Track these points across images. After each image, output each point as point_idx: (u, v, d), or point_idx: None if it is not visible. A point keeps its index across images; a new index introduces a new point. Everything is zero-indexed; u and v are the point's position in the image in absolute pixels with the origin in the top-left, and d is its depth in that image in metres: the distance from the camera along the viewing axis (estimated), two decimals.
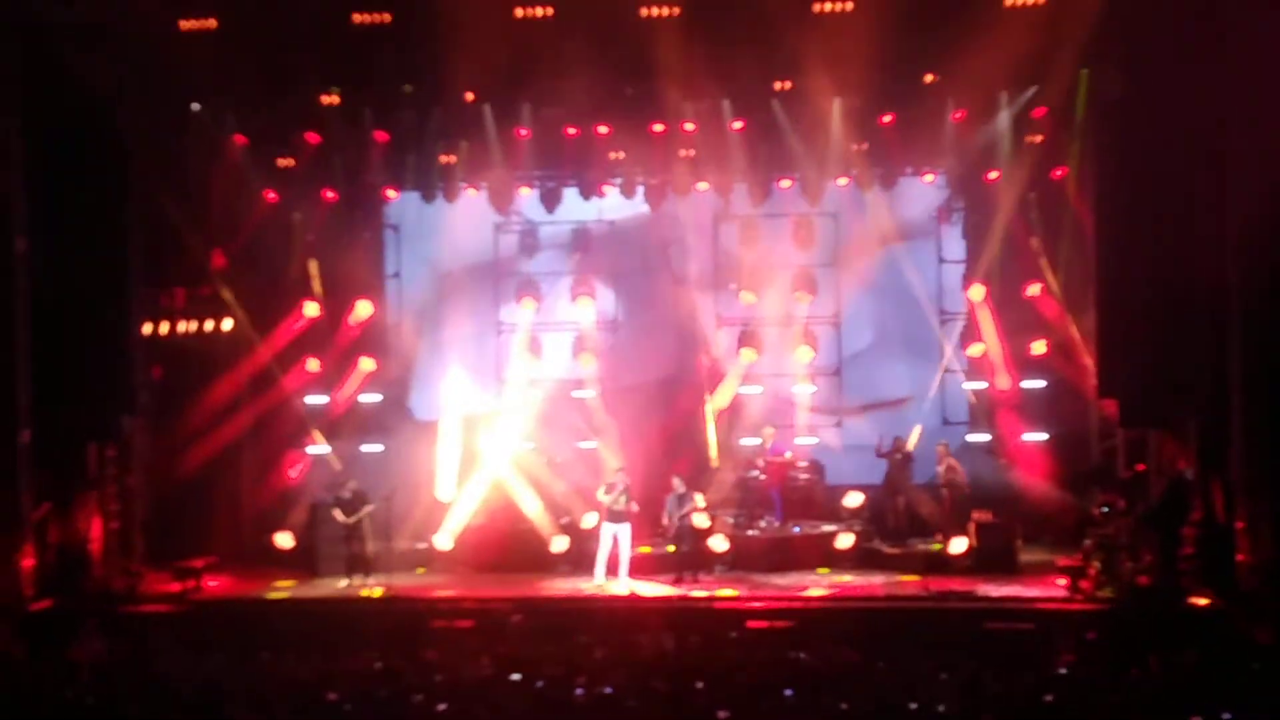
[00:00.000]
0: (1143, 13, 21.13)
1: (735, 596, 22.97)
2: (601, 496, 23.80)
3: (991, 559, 24.05)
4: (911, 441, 26.21)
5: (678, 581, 23.68)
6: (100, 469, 23.88)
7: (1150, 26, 21.06)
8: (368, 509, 24.31)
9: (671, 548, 24.25)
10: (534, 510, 25.32)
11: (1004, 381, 26.21)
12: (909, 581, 23.57)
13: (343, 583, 24.10)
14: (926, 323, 27.84)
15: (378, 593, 23.59)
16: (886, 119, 24.75)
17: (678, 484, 24.24)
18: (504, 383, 28.47)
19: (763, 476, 26.49)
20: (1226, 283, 20.93)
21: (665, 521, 24.19)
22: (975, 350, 26.77)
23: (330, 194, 26.52)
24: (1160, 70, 21.02)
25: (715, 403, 27.89)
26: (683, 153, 25.94)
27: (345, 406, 27.07)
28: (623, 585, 23.50)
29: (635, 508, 23.96)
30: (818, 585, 23.62)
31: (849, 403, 28.92)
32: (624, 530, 23.70)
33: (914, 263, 28.04)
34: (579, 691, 14.70)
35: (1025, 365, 26.17)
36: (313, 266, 27.01)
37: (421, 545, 25.79)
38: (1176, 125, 20.93)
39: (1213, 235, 21.05)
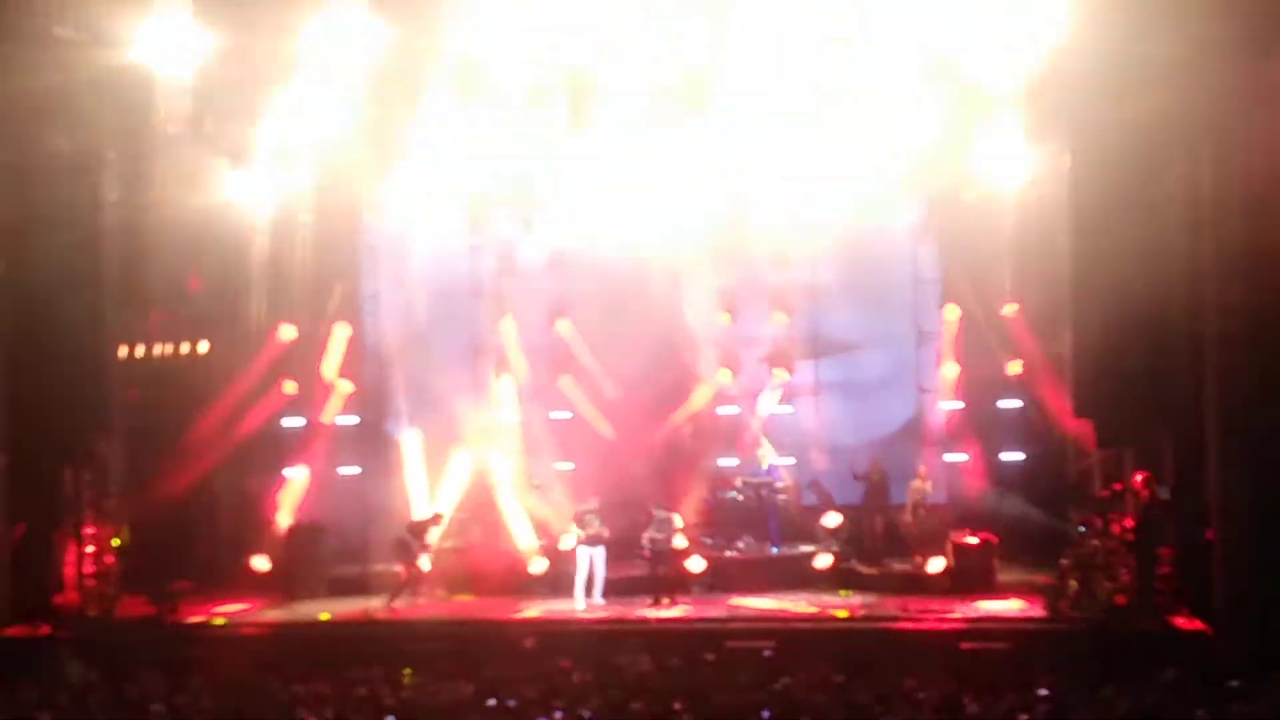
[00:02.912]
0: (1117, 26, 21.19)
1: (714, 618, 22.97)
2: (575, 527, 23.84)
3: (969, 579, 24.10)
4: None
5: (656, 604, 23.68)
6: (76, 492, 23.77)
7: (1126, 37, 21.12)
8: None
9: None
10: (512, 532, 25.31)
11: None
12: (887, 601, 23.60)
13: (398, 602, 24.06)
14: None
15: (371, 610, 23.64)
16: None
17: (659, 511, 24.24)
18: (482, 404, 28.39)
19: (741, 497, 26.50)
20: (1201, 303, 21.00)
21: (645, 544, 24.17)
22: (950, 370, 26.82)
23: (307, 215, 26.48)
24: (1139, 92, 21.06)
25: (689, 419, 27.99)
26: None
27: (323, 428, 27.00)
28: (599, 607, 23.51)
29: (606, 533, 23.94)
30: (799, 605, 23.64)
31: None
32: (599, 553, 23.74)
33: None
34: (557, 714, 14.70)
35: (1002, 385, 26.22)
36: (291, 288, 26.95)
37: (399, 567, 25.72)
38: (1153, 145, 20.98)
39: (1188, 256, 21.12)
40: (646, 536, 24.14)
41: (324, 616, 23.61)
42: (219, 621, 23.47)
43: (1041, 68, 21.64)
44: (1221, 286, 20.73)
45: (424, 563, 24.46)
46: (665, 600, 23.74)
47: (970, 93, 22.58)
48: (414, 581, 24.29)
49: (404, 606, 23.92)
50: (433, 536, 24.68)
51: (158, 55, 22.22)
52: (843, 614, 23.16)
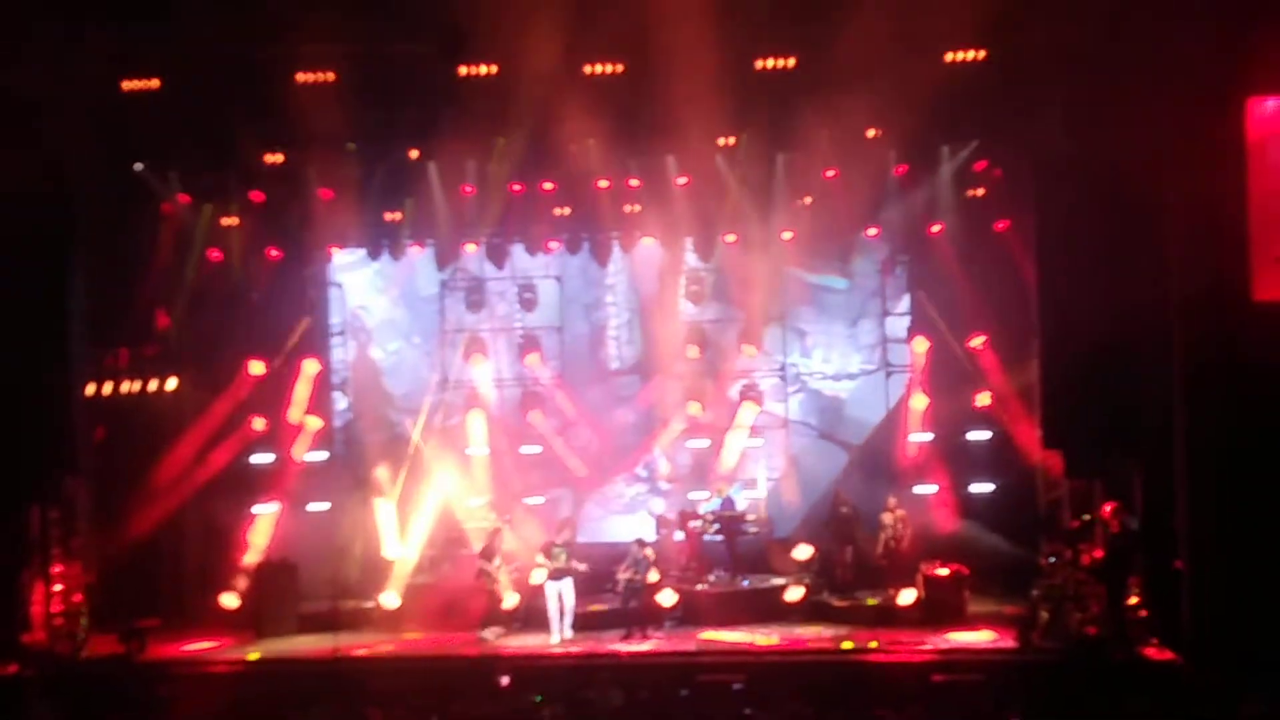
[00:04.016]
0: (1082, 67, 21.31)
1: (685, 652, 22.94)
2: (542, 560, 23.81)
3: (940, 610, 24.11)
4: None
5: (627, 638, 23.65)
6: (43, 531, 23.64)
7: (1090, 81, 21.24)
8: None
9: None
10: (483, 567, 25.25)
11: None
12: (859, 634, 23.60)
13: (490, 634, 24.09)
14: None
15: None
16: (830, 173, 24.87)
17: (635, 548, 24.23)
18: (452, 438, 28.34)
19: (711, 530, 26.49)
20: (1169, 333, 21.08)
21: (620, 580, 24.12)
22: (919, 403, 26.89)
23: (275, 252, 26.50)
24: (1101, 124, 21.17)
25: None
26: (628, 208, 26.02)
27: (292, 465, 26.92)
28: (569, 641, 23.46)
29: (582, 567, 23.97)
30: (768, 638, 23.64)
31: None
32: (567, 586, 23.70)
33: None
34: None
35: (971, 416, 26.28)
36: (257, 325, 26.92)
37: (368, 604, 25.67)
38: (1118, 177, 21.08)
39: (1155, 287, 21.20)
40: (621, 571, 24.10)
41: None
42: (185, 659, 23.35)
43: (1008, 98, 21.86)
44: (1188, 316, 20.79)
45: (504, 583, 24.55)
46: (638, 635, 23.70)
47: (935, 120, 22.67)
48: (496, 605, 24.33)
49: (500, 634, 23.98)
50: (502, 549, 24.78)
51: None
52: (848, 645, 23.12)
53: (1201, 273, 20.45)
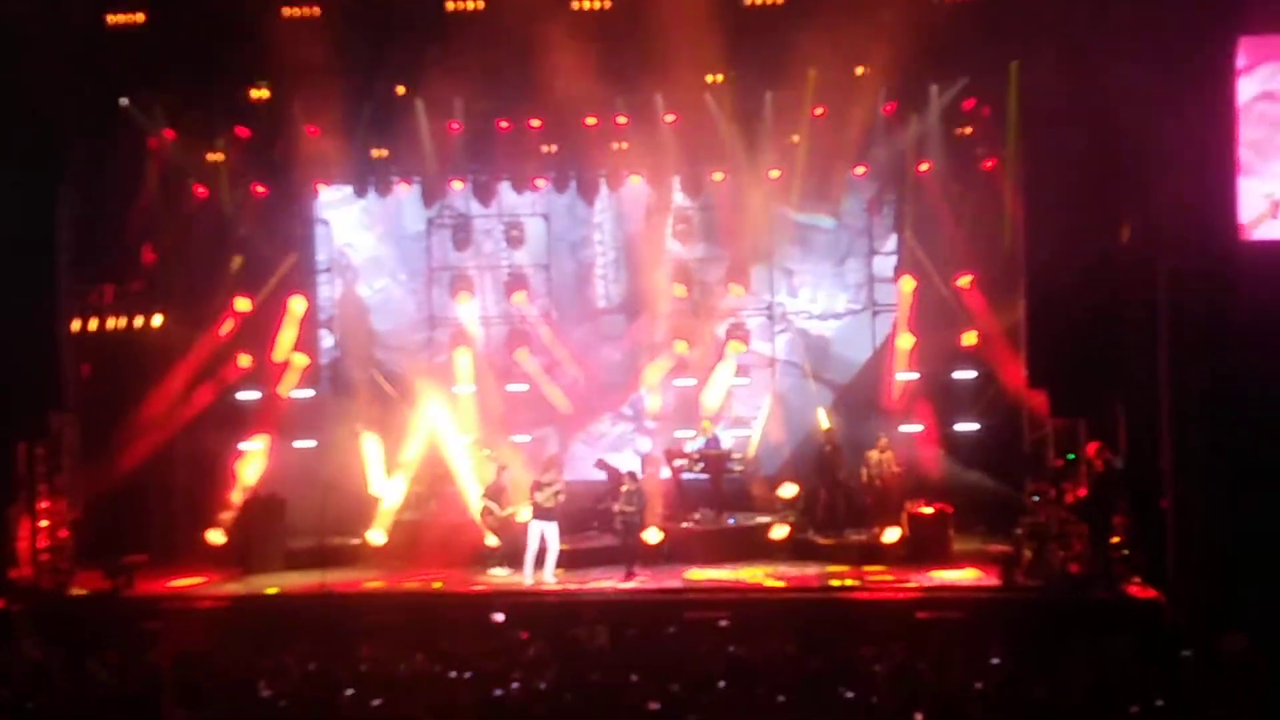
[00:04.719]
0: (1072, 5, 21.26)
1: (671, 589, 23.02)
2: (535, 495, 23.76)
3: (924, 548, 24.20)
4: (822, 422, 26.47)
5: (629, 576, 23.61)
6: (30, 467, 23.64)
7: (1083, 20, 21.18)
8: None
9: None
10: (469, 504, 25.31)
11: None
12: (843, 571, 23.69)
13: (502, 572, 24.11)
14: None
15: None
16: (818, 111, 24.81)
17: (629, 481, 24.24)
18: (439, 376, 28.34)
19: (696, 469, 26.53)
20: (1155, 272, 21.10)
21: (617, 517, 24.08)
22: (905, 342, 26.91)
23: (261, 188, 26.42)
24: (1090, 62, 21.13)
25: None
26: (616, 146, 25.94)
27: (279, 402, 26.92)
28: (550, 582, 23.46)
29: (560, 501, 23.82)
30: (754, 576, 23.72)
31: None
32: (551, 528, 23.59)
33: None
34: (514, 686, 14.71)
35: (957, 355, 26.32)
36: (243, 261, 26.87)
37: (355, 541, 25.73)
38: (1106, 116, 21.05)
39: (1143, 226, 21.23)
40: (618, 508, 24.09)
41: (272, 590, 23.57)
42: (171, 594, 23.40)
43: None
44: (1175, 255, 20.80)
45: (517, 517, 24.54)
46: (636, 571, 23.68)
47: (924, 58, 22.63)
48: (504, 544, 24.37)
49: (505, 573, 23.98)
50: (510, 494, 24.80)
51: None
52: (834, 583, 23.13)
53: (1189, 211, 20.45)
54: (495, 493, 24.62)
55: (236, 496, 25.72)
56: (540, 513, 23.64)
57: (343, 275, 29.51)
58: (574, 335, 29.35)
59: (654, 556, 24.34)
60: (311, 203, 28.48)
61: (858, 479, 25.70)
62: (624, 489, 24.19)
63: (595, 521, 25.66)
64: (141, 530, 25.04)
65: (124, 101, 24.53)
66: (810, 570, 24.04)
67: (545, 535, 23.58)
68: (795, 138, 25.54)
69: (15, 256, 22.38)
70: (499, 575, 23.98)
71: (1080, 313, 21.52)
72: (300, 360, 27.28)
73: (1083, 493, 22.31)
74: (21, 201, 22.49)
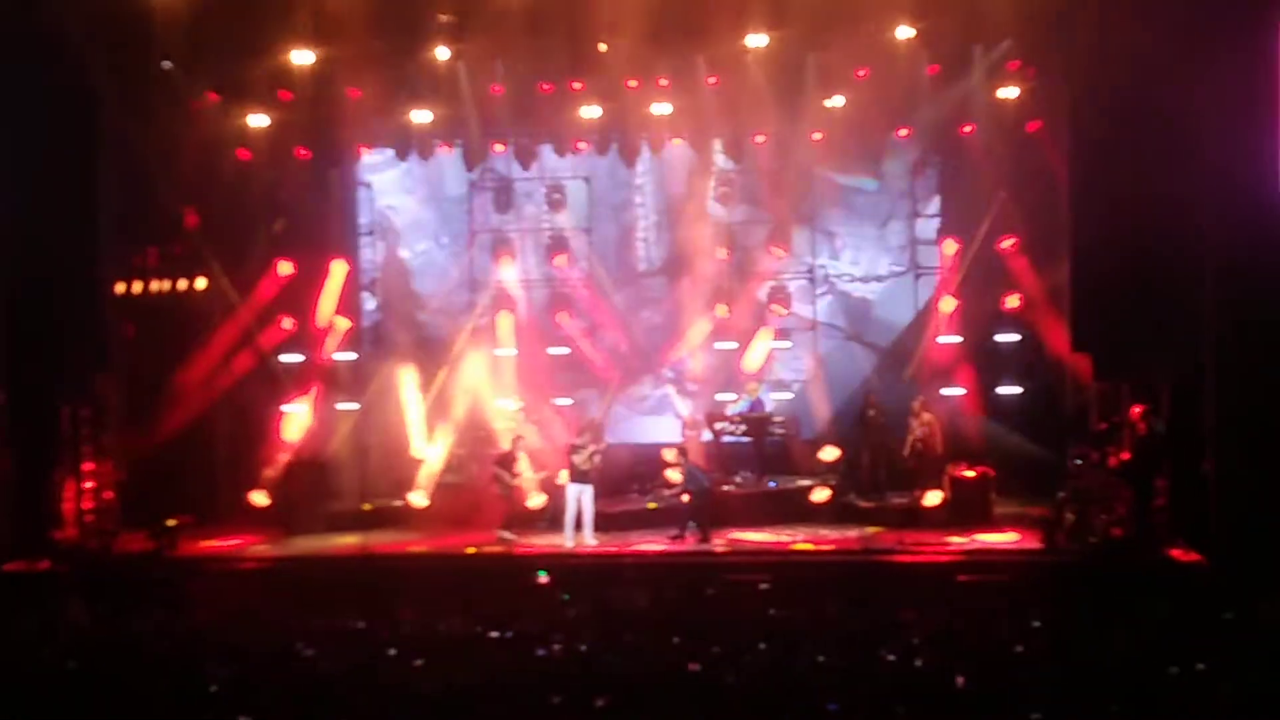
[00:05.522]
0: None
1: (711, 552, 23.04)
2: (572, 457, 23.75)
3: (966, 511, 24.16)
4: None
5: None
6: (74, 429, 23.79)
7: None
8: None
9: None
10: (511, 466, 25.36)
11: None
12: (884, 534, 23.67)
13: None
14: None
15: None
16: (861, 73, 24.68)
17: (686, 462, 24.23)
18: (480, 340, 28.36)
19: (738, 431, 26.51)
20: (1200, 235, 20.98)
21: (683, 488, 24.02)
22: (947, 305, 26.81)
23: (303, 152, 26.44)
24: (1136, 24, 20.95)
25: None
26: (657, 109, 25.86)
27: (321, 364, 27.02)
28: (589, 547, 23.43)
29: (597, 463, 23.79)
30: (795, 539, 23.72)
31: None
32: (587, 492, 23.56)
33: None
34: (555, 647, 14.75)
35: (999, 319, 26.22)
36: (286, 225, 26.93)
37: (397, 503, 25.83)
38: (1152, 79, 20.89)
39: (1187, 189, 21.07)
40: (680, 484, 24.10)
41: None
42: (215, 556, 23.55)
43: None
44: (1220, 219, 20.69)
45: (523, 488, 24.74)
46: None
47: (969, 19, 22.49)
48: (516, 510, 24.45)
49: (515, 536, 23.94)
50: (521, 464, 24.84)
51: None
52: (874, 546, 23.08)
53: (1234, 174, 20.32)
54: (506, 461, 24.60)
55: (279, 459, 25.83)
56: (577, 475, 23.63)
57: (385, 238, 29.58)
58: (615, 298, 29.35)
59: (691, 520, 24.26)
60: (354, 166, 28.49)
61: (899, 442, 25.65)
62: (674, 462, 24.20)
63: (635, 485, 25.68)
64: (185, 492, 25.13)
65: (167, 64, 24.54)
66: (851, 533, 24.04)
67: (582, 498, 23.60)
68: (838, 100, 25.39)
69: (59, 219, 22.50)
70: (506, 539, 23.93)
71: (1124, 276, 21.38)
72: (342, 323, 27.37)
73: (1126, 456, 22.21)
74: (65, 165, 22.57)
